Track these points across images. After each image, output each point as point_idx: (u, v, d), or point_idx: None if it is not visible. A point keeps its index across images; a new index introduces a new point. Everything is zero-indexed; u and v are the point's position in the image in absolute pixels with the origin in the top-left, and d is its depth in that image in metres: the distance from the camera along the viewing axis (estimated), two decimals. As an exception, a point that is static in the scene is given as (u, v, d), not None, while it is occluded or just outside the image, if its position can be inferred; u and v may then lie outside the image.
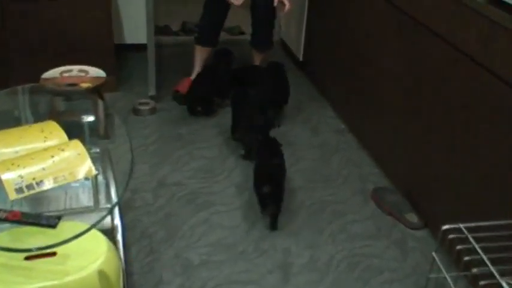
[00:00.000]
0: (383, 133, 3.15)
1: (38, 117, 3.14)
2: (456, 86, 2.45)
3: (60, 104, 3.41)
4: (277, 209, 2.70)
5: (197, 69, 3.95)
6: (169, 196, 2.90)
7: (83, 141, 2.18)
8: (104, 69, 3.74)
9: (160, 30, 4.88)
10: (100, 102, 3.33)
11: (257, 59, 4.16)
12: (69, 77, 3.32)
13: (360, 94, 3.41)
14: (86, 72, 3.38)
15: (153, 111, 3.69)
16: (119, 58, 4.10)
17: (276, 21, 4.71)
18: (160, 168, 3.13)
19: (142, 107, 3.67)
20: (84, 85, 3.24)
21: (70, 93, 3.30)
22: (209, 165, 3.19)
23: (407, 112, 2.89)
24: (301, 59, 4.39)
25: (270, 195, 2.68)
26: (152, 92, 3.79)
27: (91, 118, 3.32)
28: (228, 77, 3.82)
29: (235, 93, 3.53)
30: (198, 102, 3.67)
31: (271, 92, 3.60)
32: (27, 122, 2.74)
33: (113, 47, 3.80)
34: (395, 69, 2.96)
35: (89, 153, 2.17)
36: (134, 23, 4.42)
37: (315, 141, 3.47)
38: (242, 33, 4.96)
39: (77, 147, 2.21)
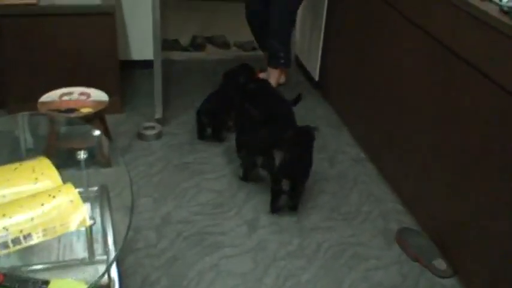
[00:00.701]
0: (408, 167, 2.90)
1: (37, 143, 2.93)
2: (495, 125, 2.19)
3: (59, 130, 3.19)
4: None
5: None
6: (174, 236, 2.66)
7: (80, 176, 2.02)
8: (107, 89, 3.53)
9: (169, 44, 4.64)
10: (100, 130, 3.10)
11: (272, 77, 3.94)
12: (69, 101, 3.10)
13: (382, 122, 3.16)
14: (87, 95, 3.15)
15: (158, 136, 3.44)
16: (124, 76, 3.88)
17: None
18: (165, 202, 2.88)
19: (147, 132, 3.43)
20: (85, 110, 3.02)
21: (69, 120, 3.08)
22: (218, 199, 2.94)
23: (436, 148, 2.63)
24: (316, 78, 4.13)
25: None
26: (158, 114, 3.55)
27: (91, 143, 3.10)
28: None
29: (238, 112, 3.37)
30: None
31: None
32: (24, 150, 2.69)
33: (118, 65, 3.57)
34: (425, 101, 2.70)
35: (86, 192, 2.03)
36: (141, 38, 4.19)
37: (333, 172, 3.22)
38: (255, 48, 4.72)
39: (69, 192, 1.98)
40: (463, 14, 2.35)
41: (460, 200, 2.47)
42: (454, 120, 2.47)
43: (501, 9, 2.20)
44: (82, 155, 2.31)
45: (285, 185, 2.77)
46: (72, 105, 3.04)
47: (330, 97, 3.96)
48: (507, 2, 2.23)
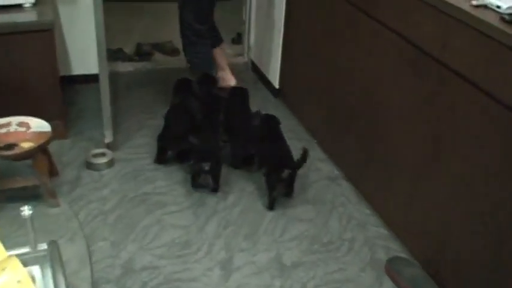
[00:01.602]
0: (390, 185, 2.64)
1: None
2: (491, 143, 1.94)
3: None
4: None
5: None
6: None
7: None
8: (49, 113, 3.13)
9: (112, 54, 4.24)
10: (44, 166, 2.72)
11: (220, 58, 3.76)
12: (7, 134, 2.70)
13: (357, 135, 2.89)
14: (27, 125, 2.76)
15: (110, 163, 3.08)
16: (66, 93, 3.49)
17: (244, 38, 4.19)
18: (124, 246, 2.54)
19: (97, 160, 3.06)
20: (26, 145, 2.63)
21: (9, 157, 2.69)
22: (184, 236, 2.61)
23: (424, 164, 2.37)
24: (277, 86, 3.83)
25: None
26: (109, 138, 3.18)
27: (34, 182, 2.73)
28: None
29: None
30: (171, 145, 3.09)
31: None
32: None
33: (59, 86, 3.18)
34: (409, 115, 2.43)
35: (34, 252, 1.78)
36: (82, 50, 3.81)
37: (308, 195, 2.93)
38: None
39: (16, 270, 1.65)
40: (452, 22, 2.08)
41: (452, 220, 2.22)
42: (444, 137, 2.21)
43: (501, 17, 1.94)
44: (26, 211, 1.96)
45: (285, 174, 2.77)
46: (11, 140, 2.65)
47: (293, 106, 3.66)
48: (506, 9, 1.97)
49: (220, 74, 3.76)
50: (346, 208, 2.84)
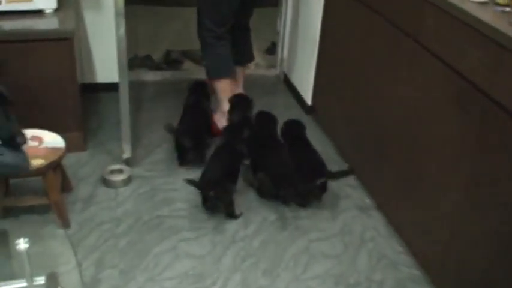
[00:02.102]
0: (426, 225, 2.40)
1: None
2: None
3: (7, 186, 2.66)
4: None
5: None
6: (145, 325, 2.13)
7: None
8: (67, 124, 3.00)
9: (139, 62, 4.09)
10: (55, 185, 2.56)
11: (240, 76, 3.52)
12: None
13: (391, 163, 2.66)
14: (40, 140, 2.60)
15: (127, 181, 2.91)
16: (87, 102, 3.39)
17: (278, 50, 3.99)
18: (134, 275, 2.36)
19: (113, 177, 2.89)
20: (36, 162, 2.46)
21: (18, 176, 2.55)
22: (199, 267, 2.42)
23: (462, 208, 2.13)
24: (309, 102, 3.61)
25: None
26: (127, 153, 3.00)
27: (44, 201, 2.57)
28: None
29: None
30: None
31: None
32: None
33: (78, 97, 3.03)
34: (448, 149, 2.20)
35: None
36: (107, 57, 3.65)
37: (335, 226, 2.71)
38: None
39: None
40: (504, 53, 1.84)
41: (488, 268, 1.97)
42: (490, 180, 1.96)
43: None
44: (22, 244, 1.81)
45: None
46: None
47: (326, 126, 3.44)
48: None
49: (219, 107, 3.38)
50: (377, 243, 2.62)
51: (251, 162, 2.91)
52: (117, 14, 2.67)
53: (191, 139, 3.01)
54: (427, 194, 2.37)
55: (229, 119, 3.13)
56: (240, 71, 3.50)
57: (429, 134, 2.33)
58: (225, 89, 3.30)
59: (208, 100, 3.39)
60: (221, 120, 3.27)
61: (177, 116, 3.30)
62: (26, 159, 2.33)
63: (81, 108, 3.07)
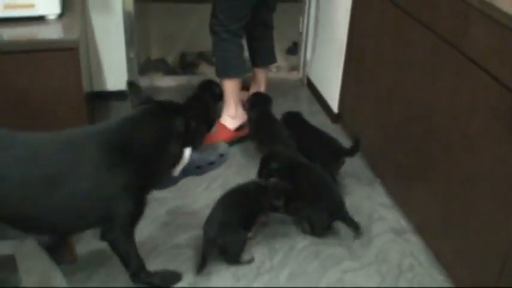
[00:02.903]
0: (470, 254, 2.13)
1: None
2: None
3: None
4: None
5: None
6: None
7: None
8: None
9: (153, 65, 3.84)
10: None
11: (262, 80, 3.30)
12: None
13: (430, 183, 2.41)
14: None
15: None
16: (97, 112, 3.26)
17: (300, 52, 3.72)
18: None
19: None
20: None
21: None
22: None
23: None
24: (336, 110, 3.34)
25: None
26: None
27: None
28: None
29: None
30: None
31: None
32: None
33: (83, 110, 2.77)
34: (498, 176, 1.93)
35: None
36: (117, 63, 3.42)
37: (370, 253, 2.46)
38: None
39: None
40: None
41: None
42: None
43: None
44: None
45: None
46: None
47: (354, 134, 3.15)
48: None
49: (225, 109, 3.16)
50: (416, 273, 2.37)
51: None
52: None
53: None
54: (473, 223, 2.10)
55: (248, 116, 3.05)
56: (261, 74, 3.27)
57: (476, 155, 2.06)
58: (233, 90, 3.08)
59: (216, 101, 3.15)
60: (226, 123, 3.10)
61: None
62: None
63: (88, 122, 2.82)
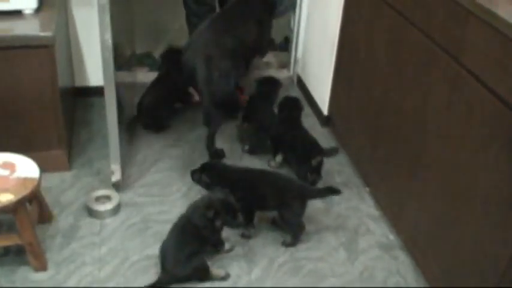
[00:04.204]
0: (464, 271, 2.00)
1: None
2: None
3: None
4: None
5: None
6: None
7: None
8: (48, 142, 2.64)
9: (139, 60, 3.69)
10: (27, 223, 2.19)
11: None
12: (-16, 179, 2.18)
13: (422, 195, 2.28)
14: (12, 168, 2.22)
15: (115, 211, 2.54)
16: (79, 109, 3.17)
17: (291, 49, 3.57)
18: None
19: (99, 207, 2.52)
20: (3, 197, 2.09)
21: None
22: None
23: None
24: (325, 112, 3.20)
25: None
26: (116, 176, 2.63)
27: (16, 241, 2.20)
28: None
29: None
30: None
31: None
32: None
33: (59, 110, 2.64)
34: (501, 196, 1.79)
35: None
36: (99, 58, 3.25)
37: (354, 270, 2.33)
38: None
39: None
40: None
41: None
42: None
43: None
44: None
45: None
46: (-14, 189, 2.12)
47: (344, 141, 3.03)
48: None
49: None
50: (403, 293, 2.23)
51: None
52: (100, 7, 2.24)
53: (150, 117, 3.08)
54: (463, 239, 1.97)
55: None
56: None
57: (470, 171, 1.93)
58: None
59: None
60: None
61: (180, 125, 3.07)
62: None
63: (65, 122, 2.69)
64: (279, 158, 2.83)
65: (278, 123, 2.86)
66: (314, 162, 2.68)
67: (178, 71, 2.92)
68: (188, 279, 2.16)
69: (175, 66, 3.03)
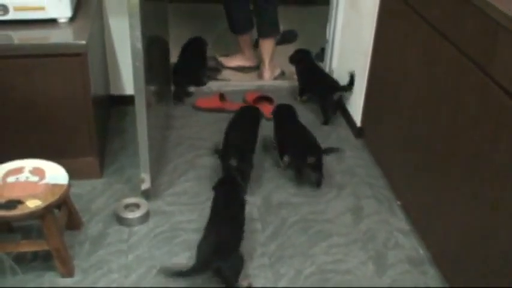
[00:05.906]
0: (490, 281, 1.94)
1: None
2: None
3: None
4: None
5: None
6: None
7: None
8: (80, 149, 2.69)
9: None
10: (55, 229, 2.21)
11: (267, 51, 3.65)
12: (14, 184, 2.21)
13: (452, 210, 2.21)
14: (42, 174, 2.25)
15: (143, 219, 2.55)
16: (113, 118, 3.20)
17: (326, 59, 3.55)
18: None
19: (127, 214, 2.54)
20: (32, 203, 2.12)
21: (7, 219, 2.22)
22: None
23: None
24: (359, 124, 3.16)
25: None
26: (146, 184, 2.65)
27: (43, 247, 2.23)
28: None
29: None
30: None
31: None
32: None
33: (92, 118, 2.67)
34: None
35: None
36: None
37: (382, 283, 2.31)
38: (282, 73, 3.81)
39: None
40: None
41: None
42: None
43: None
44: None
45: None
46: (16, 193, 2.15)
47: (377, 154, 2.99)
48: None
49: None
50: (430, 313, 2.17)
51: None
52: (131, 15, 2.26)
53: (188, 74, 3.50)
54: (493, 255, 1.91)
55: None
56: (264, 44, 3.66)
57: (501, 184, 1.87)
58: (243, 44, 3.79)
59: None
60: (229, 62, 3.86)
61: (210, 135, 3.10)
62: None
63: (97, 130, 2.72)
64: (286, 157, 2.82)
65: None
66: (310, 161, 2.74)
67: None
68: (219, 273, 2.13)
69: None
